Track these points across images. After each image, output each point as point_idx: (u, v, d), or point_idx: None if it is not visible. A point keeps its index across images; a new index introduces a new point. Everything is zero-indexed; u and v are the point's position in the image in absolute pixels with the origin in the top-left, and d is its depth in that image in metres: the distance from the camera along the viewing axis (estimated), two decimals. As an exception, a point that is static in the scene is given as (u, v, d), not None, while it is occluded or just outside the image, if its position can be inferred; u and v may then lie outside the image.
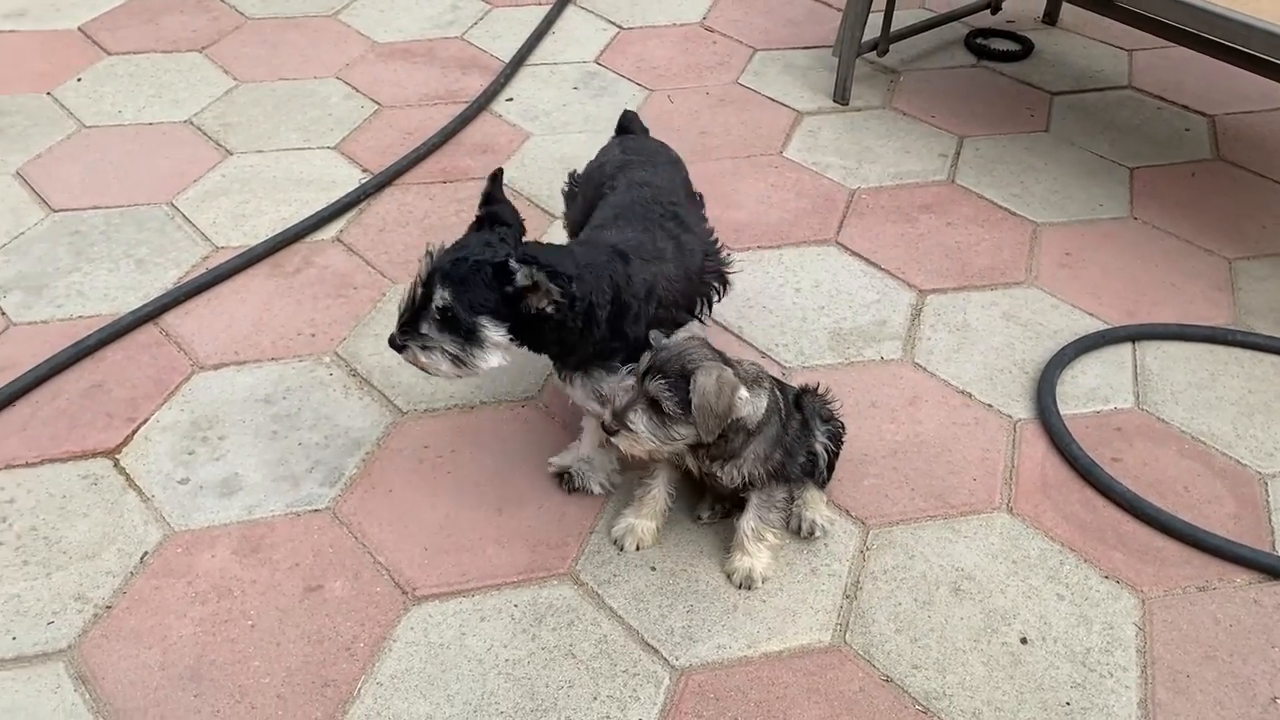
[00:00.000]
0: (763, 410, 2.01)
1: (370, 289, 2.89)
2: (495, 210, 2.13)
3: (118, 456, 2.42)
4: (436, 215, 3.18)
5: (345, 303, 2.85)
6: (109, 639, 2.06)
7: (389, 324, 2.78)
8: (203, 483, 2.37)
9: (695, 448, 2.04)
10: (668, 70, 3.93)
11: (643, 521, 2.25)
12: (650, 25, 4.22)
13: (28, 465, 2.39)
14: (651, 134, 2.71)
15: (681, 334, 2.04)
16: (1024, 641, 2.12)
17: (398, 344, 2.07)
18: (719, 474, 2.08)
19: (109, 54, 3.86)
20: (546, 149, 3.49)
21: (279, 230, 3.06)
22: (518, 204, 3.17)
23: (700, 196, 2.63)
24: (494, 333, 2.03)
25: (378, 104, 3.66)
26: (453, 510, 2.34)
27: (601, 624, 2.12)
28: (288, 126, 3.53)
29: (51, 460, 2.40)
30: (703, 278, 2.38)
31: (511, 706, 1.98)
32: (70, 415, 2.50)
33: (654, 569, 2.23)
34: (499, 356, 2.06)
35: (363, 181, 3.28)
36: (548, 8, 4.24)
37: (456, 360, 2.04)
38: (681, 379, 1.92)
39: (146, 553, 2.22)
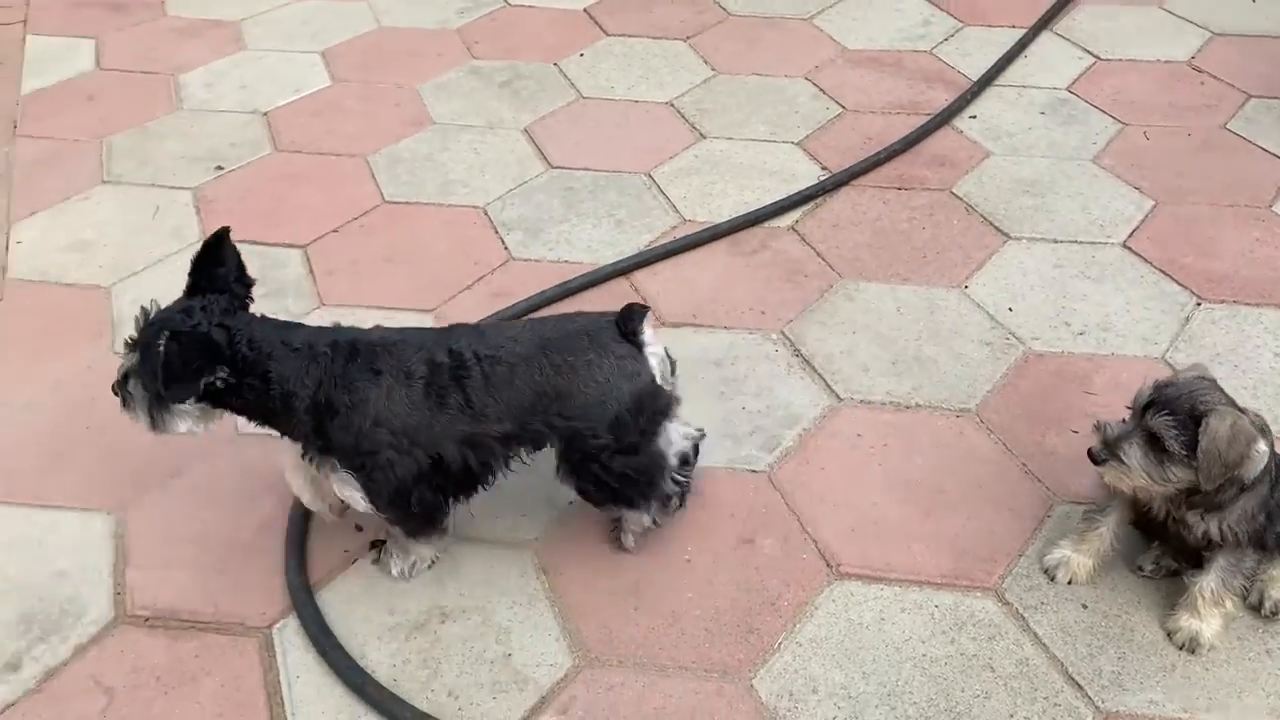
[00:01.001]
0: (1263, 465, 1.88)
1: (819, 279, 3.01)
2: (206, 274, 2.01)
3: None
4: (888, 219, 3.24)
5: (795, 288, 2.98)
6: (565, 541, 2.31)
7: (834, 313, 2.89)
8: (655, 425, 2.58)
9: (1180, 492, 1.94)
10: (1145, 106, 3.73)
11: (1080, 556, 2.18)
12: (1131, 59, 4.02)
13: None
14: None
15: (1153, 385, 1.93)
16: None
17: (116, 392, 2.06)
18: (1192, 524, 1.97)
19: (607, 35, 4.28)
20: (1006, 169, 3.44)
21: (741, 212, 3.26)
22: (970, 220, 3.21)
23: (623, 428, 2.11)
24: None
25: (842, 107, 3.78)
26: (880, 501, 2.39)
27: (1024, 646, 2.09)
28: (757, 118, 3.74)
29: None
30: (455, 444, 2.03)
31: (925, 701, 2.00)
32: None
33: (1085, 607, 2.16)
34: (189, 423, 2.01)
35: (821, 178, 3.42)
36: (1021, 31, 4.16)
37: (151, 421, 2.01)
38: (1191, 419, 1.84)
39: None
